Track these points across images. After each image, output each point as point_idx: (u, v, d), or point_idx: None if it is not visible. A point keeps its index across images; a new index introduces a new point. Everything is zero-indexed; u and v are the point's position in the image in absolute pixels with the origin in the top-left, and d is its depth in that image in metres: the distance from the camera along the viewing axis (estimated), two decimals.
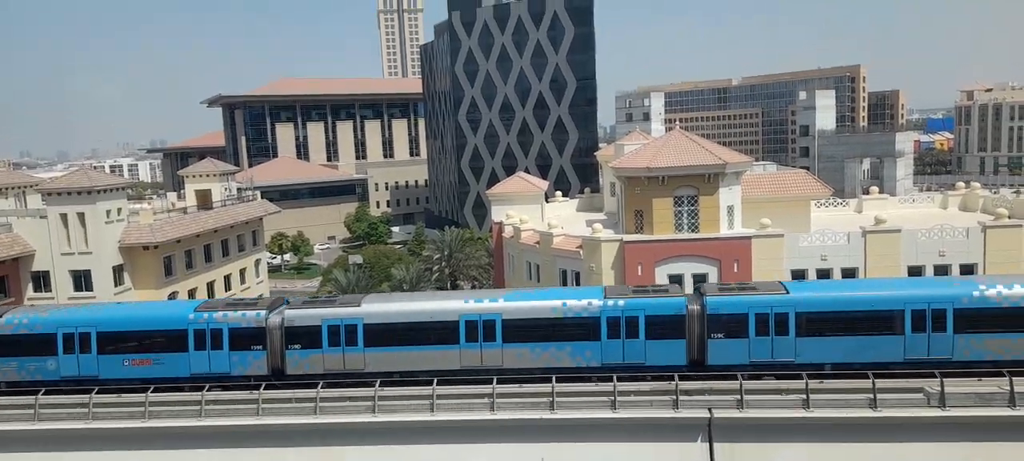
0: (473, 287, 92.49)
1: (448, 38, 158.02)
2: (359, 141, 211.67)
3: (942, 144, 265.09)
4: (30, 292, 56.27)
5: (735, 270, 46.51)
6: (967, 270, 46.68)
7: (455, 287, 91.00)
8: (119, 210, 57.61)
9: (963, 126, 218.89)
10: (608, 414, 29.72)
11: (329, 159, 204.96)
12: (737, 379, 29.63)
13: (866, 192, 72.16)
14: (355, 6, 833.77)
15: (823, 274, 47.24)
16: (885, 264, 46.71)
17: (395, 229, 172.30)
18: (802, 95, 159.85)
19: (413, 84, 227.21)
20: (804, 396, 28.97)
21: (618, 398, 29.74)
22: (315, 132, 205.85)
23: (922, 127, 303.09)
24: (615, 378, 30.28)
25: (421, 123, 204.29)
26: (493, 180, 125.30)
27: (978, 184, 65.16)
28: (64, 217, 55.51)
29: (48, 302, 54.17)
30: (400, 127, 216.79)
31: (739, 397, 29.20)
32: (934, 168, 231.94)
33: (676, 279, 47.08)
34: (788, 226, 48.76)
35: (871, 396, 28.62)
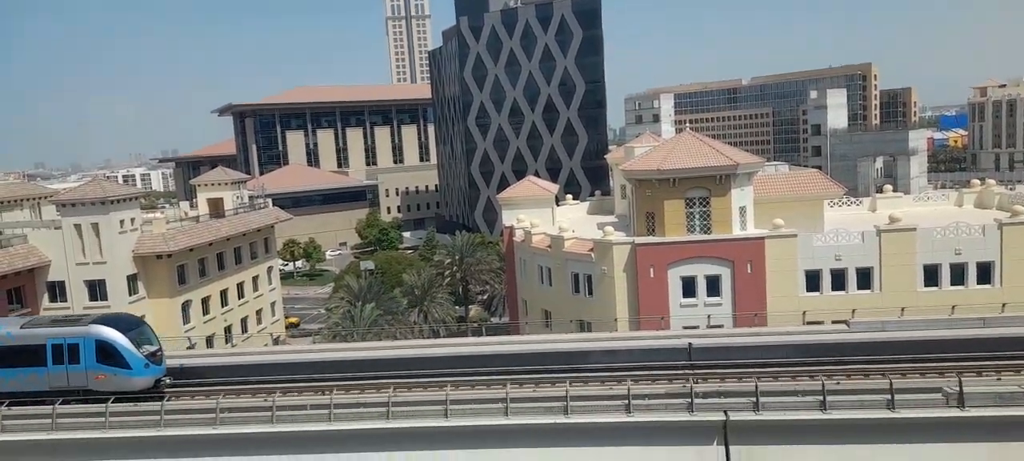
0: (484, 291, 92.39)
1: (456, 43, 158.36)
2: (369, 147, 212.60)
3: (956, 141, 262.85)
4: (46, 302, 56.79)
5: (749, 271, 46.28)
6: (984, 268, 46.29)
7: (466, 292, 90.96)
8: (132, 220, 58.06)
9: (977, 123, 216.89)
10: (623, 418, 29.56)
11: (339, 166, 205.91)
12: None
13: (879, 191, 71.54)
14: (363, 14, 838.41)
15: (837, 274, 46.89)
16: (900, 263, 46.36)
17: (406, 234, 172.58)
18: (813, 94, 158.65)
19: (422, 90, 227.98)
20: (821, 398, 28.73)
21: (632, 402, 29.61)
22: (325, 139, 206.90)
23: (935, 124, 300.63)
24: (629, 381, 30.13)
25: (430, 128, 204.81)
26: (503, 184, 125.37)
27: (993, 181, 64.53)
28: (78, 228, 56.00)
29: (65, 311, 54.63)
30: (410, 133, 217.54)
31: (755, 399, 28.99)
32: (948, 165, 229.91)
33: (689, 280, 46.92)
34: (801, 226, 48.43)
35: (889, 397, 28.33)
